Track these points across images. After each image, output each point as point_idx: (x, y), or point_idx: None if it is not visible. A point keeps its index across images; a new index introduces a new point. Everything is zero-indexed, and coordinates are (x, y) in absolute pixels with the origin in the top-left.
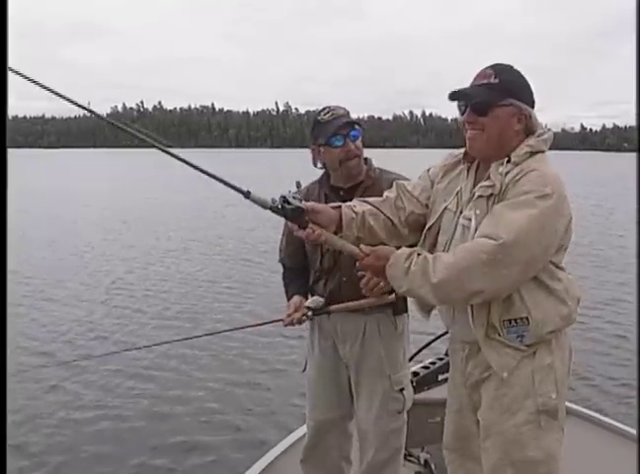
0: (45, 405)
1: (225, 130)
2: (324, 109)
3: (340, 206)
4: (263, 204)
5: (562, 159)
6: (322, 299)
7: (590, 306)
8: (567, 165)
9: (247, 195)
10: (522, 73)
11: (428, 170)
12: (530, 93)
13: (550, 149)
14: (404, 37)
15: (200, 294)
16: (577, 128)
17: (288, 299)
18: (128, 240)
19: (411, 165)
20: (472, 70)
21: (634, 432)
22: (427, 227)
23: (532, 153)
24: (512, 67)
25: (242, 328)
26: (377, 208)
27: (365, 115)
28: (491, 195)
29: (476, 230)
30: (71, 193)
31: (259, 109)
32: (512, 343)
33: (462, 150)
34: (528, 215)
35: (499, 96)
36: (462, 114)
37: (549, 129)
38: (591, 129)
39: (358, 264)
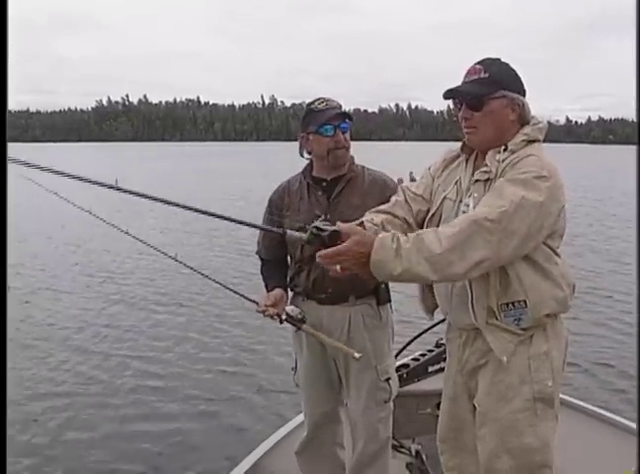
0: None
1: (211, 124)
2: (318, 98)
3: (362, 223)
4: (299, 239)
5: (549, 152)
6: (301, 312)
7: (579, 296)
8: (554, 158)
9: (283, 234)
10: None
11: (429, 168)
12: (520, 82)
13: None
14: (391, 31)
15: (194, 284)
16: (562, 121)
17: (269, 291)
18: (119, 234)
19: (397, 158)
20: (458, 64)
21: (625, 422)
22: (428, 216)
23: (529, 142)
24: (499, 60)
25: (217, 283)
26: (391, 214)
27: (351, 107)
28: (488, 179)
29: None
30: (58, 187)
31: (244, 102)
32: (509, 326)
33: (460, 144)
34: (526, 190)
35: (490, 89)
36: (459, 110)
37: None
38: (576, 122)
39: (325, 255)
